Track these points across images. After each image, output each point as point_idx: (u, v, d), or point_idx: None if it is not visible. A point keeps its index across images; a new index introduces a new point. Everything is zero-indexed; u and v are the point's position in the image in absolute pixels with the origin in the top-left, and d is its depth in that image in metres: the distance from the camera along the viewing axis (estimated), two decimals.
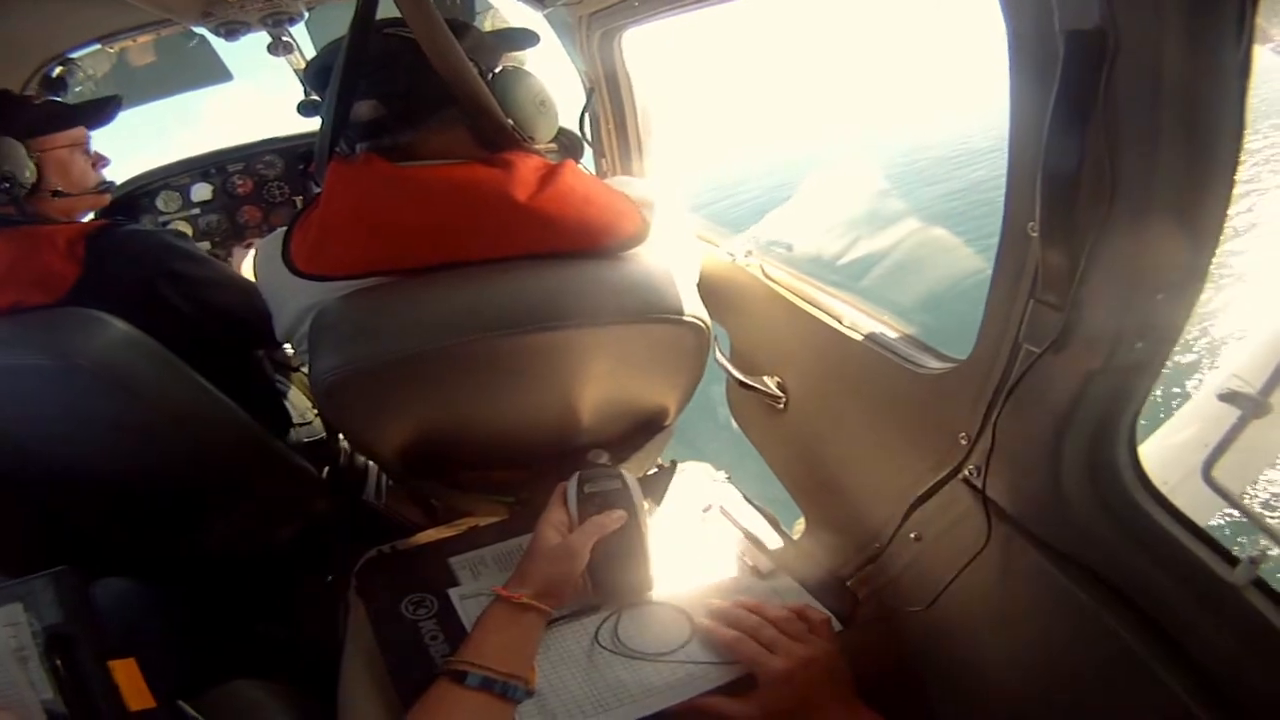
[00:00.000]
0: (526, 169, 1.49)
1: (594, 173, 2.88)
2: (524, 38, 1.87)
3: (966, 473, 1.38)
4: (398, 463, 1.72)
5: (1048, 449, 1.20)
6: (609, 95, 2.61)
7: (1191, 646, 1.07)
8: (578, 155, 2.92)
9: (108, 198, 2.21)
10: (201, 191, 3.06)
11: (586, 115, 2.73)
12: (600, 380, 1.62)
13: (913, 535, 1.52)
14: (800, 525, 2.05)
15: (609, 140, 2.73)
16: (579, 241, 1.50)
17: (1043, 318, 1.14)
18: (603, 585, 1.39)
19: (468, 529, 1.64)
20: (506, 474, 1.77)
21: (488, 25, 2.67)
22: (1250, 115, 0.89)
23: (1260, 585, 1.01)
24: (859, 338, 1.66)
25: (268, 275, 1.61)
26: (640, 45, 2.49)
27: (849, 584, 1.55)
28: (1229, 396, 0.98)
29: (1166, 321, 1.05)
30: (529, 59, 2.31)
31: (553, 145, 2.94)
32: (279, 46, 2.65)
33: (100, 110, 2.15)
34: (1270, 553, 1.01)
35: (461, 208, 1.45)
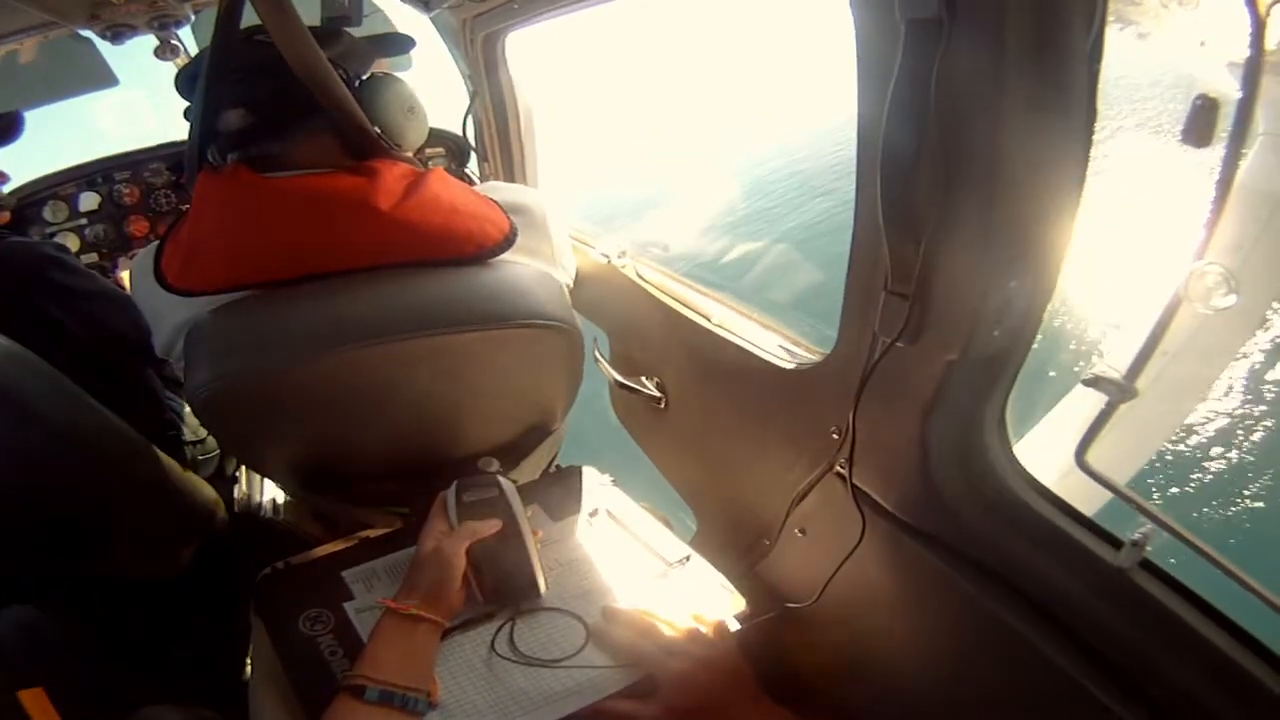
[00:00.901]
0: (392, 177, 1.47)
1: (478, 176, 2.86)
2: (398, 42, 1.84)
3: (839, 466, 1.39)
4: (287, 477, 1.69)
5: (914, 440, 1.21)
6: (492, 98, 2.60)
7: (1083, 629, 1.08)
8: (464, 159, 2.90)
9: (7, 215, 2.11)
10: (88, 201, 2.93)
11: (469, 119, 2.71)
12: (477, 387, 1.62)
13: (798, 531, 1.54)
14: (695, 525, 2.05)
15: (492, 144, 2.72)
16: (445, 249, 1.49)
17: (894, 309, 1.15)
18: (489, 591, 1.38)
19: (359, 541, 1.61)
20: (398, 485, 1.74)
21: (380, 28, 2.63)
22: (1102, 101, 0.91)
23: (1148, 566, 1.02)
24: (729, 336, 1.68)
25: (143, 292, 1.56)
26: (525, 48, 2.48)
27: (743, 581, 1.55)
28: (1094, 382, 0.99)
29: (1023, 309, 1.05)
30: (418, 64, 2.28)
31: (439, 149, 2.92)
32: (166, 50, 2.58)
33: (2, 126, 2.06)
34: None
35: (325, 219, 1.43)
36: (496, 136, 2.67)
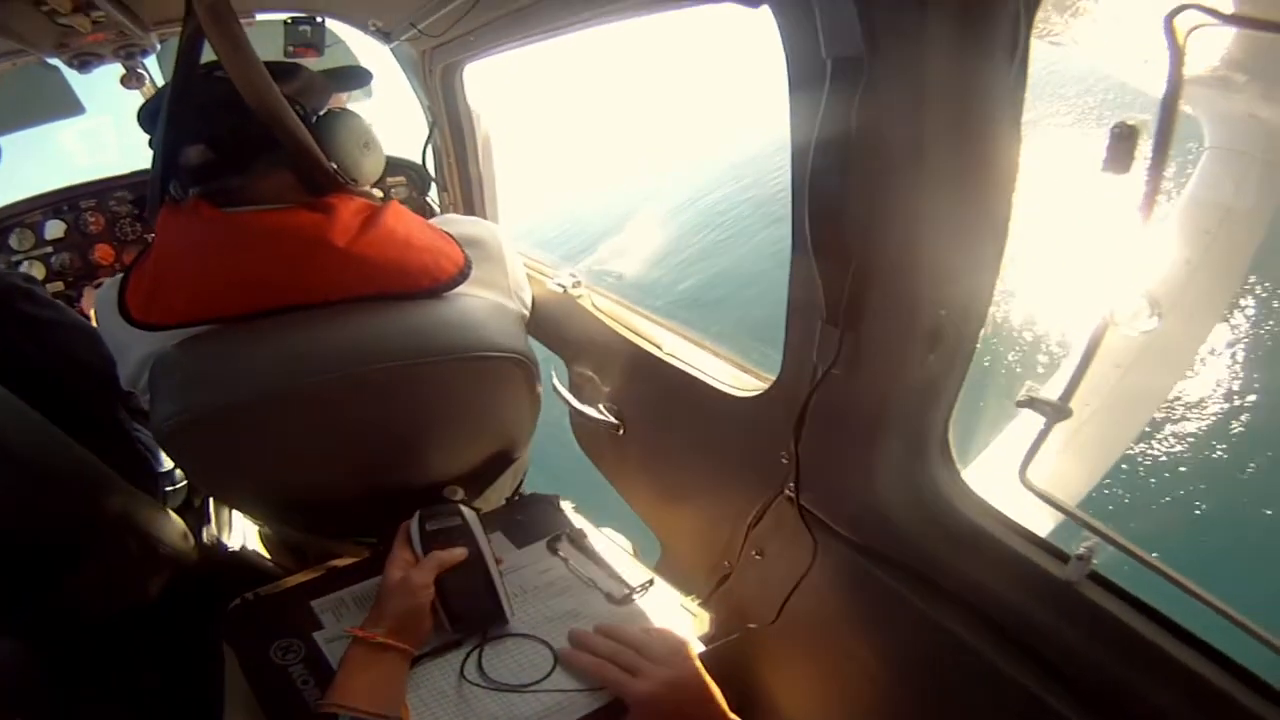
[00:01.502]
0: (348, 212, 1.49)
1: (438, 206, 2.89)
2: (356, 77, 1.85)
3: (789, 490, 1.42)
4: (254, 508, 1.70)
5: (859, 463, 1.24)
6: (450, 129, 2.62)
7: (1035, 642, 1.10)
8: (425, 188, 2.92)
9: None
10: (54, 229, 2.93)
11: (429, 149, 2.74)
12: (436, 419, 1.63)
13: (755, 553, 1.56)
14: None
15: (451, 174, 2.74)
16: (401, 284, 1.51)
17: (829, 337, 1.18)
18: (456, 618, 1.40)
19: (328, 571, 1.62)
20: (365, 515, 1.75)
21: (342, 60, 2.64)
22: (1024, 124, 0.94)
23: (1096, 579, 1.05)
24: (679, 364, 1.71)
25: (107, 325, 1.57)
26: (483, 79, 2.51)
27: (706, 604, 1.57)
28: (1028, 403, 1.02)
29: (955, 335, 1.08)
30: (382, 93, 2.30)
31: (401, 179, 2.93)
32: (132, 79, 2.58)
33: None
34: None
35: (284, 255, 1.45)
36: (455, 166, 2.69)
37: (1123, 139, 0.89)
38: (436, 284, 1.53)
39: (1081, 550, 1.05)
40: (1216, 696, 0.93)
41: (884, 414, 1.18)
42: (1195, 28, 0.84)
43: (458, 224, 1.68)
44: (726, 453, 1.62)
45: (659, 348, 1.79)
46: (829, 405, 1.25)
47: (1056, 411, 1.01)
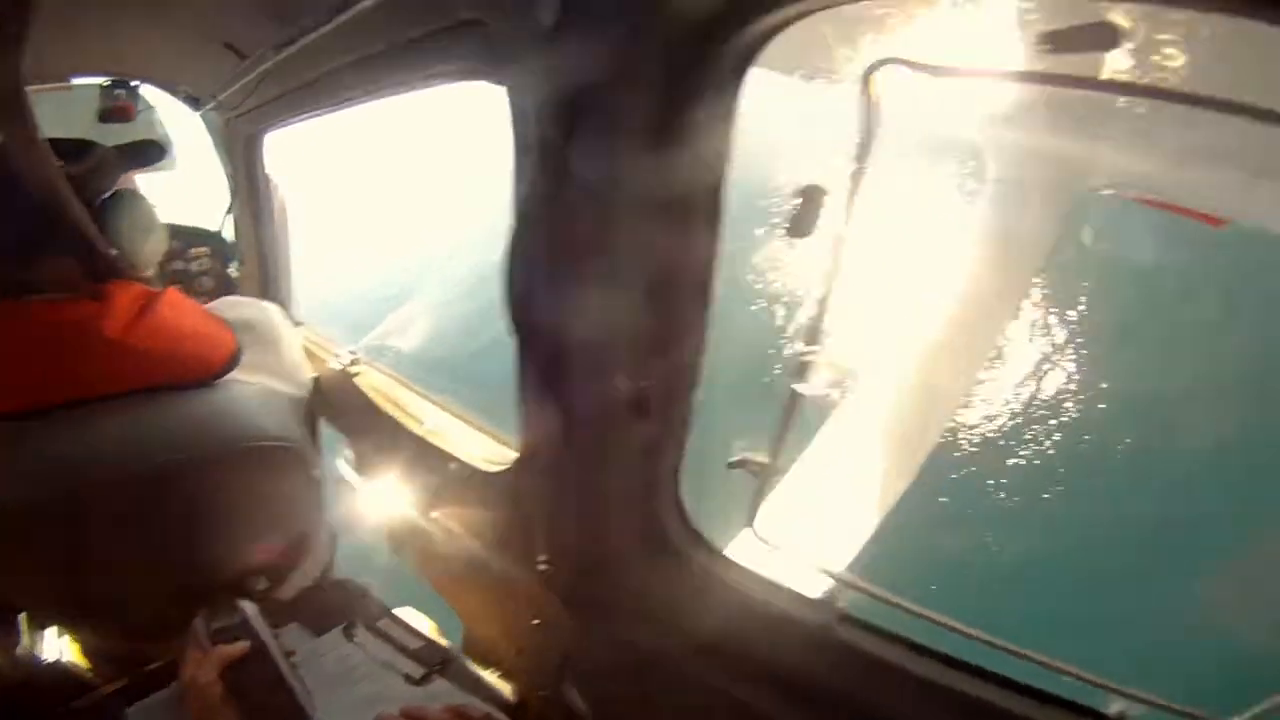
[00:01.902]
0: (125, 300, 1.47)
1: (235, 276, 2.85)
2: (149, 154, 1.81)
3: (541, 562, 1.44)
4: (54, 616, 1.63)
5: (596, 531, 1.27)
6: (248, 199, 2.60)
7: (806, 687, 1.13)
8: (228, 261, 2.87)
9: None
10: None
11: (231, 219, 2.71)
12: (218, 511, 1.60)
13: (534, 621, 1.56)
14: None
15: (249, 245, 2.71)
16: (172, 374, 1.50)
17: (546, 410, 1.20)
18: (256, 717, 1.36)
19: (142, 675, 1.59)
20: (170, 616, 1.68)
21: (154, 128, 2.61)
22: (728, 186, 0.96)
23: (849, 620, 1.09)
24: (438, 441, 1.73)
25: None
26: (285, 149, 2.50)
27: (506, 675, 1.58)
28: (739, 464, 1.07)
29: (663, 401, 1.11)
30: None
31: (205, 250, 2.87)
32: None
33: None
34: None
35: (58, 348, 1.42)
36: (253, 237, 2.66)
37: (809, 202, 0.92)
38: (208, 373, 1.53)
39: (824, 595, 1.09)
40: (984, 709, 0.98)
41: (606, 482, 1.21)
42: (892, 81, 0.88)
43: (234, 307, 1.69)
44: (489, 526, 1.63)
45: (420, 424, 1.80)
46: (561, 476, 1.27)
47: (768, 471, 1.06)
